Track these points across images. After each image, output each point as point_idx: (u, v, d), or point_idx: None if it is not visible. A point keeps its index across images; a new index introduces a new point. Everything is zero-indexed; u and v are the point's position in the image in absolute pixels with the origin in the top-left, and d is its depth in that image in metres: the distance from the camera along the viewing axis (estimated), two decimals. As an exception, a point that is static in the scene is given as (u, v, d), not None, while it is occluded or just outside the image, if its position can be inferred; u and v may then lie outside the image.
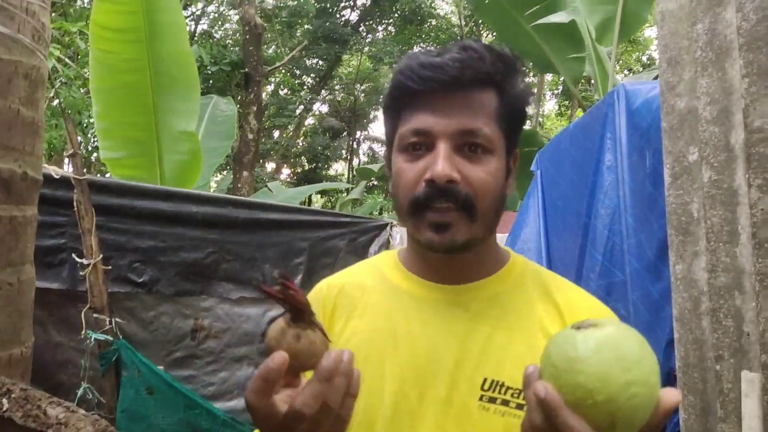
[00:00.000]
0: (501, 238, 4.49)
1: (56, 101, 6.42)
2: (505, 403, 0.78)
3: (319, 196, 16.49)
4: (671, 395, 0.55)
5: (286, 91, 16.12)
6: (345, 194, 13.72)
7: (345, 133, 17.49)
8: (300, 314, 0.62)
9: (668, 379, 1.78)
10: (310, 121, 17.80)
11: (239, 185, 7.50)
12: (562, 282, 0.91)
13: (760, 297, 1.34)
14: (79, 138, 7.96)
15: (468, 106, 0.80)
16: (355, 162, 18.17)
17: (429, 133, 0.79)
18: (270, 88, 16.11)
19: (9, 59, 1.72)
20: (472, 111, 0.80)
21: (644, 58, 16.82)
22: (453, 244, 0.79)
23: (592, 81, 5.75)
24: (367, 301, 0.89)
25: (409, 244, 0.92)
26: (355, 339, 0.86)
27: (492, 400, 0.78)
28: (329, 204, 15.75)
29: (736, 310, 1.42)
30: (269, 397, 0.59)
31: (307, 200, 13.12)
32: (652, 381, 0.54)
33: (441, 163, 0.77)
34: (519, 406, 0.77)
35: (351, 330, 0.87)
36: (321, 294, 0.93)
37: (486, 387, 0.79)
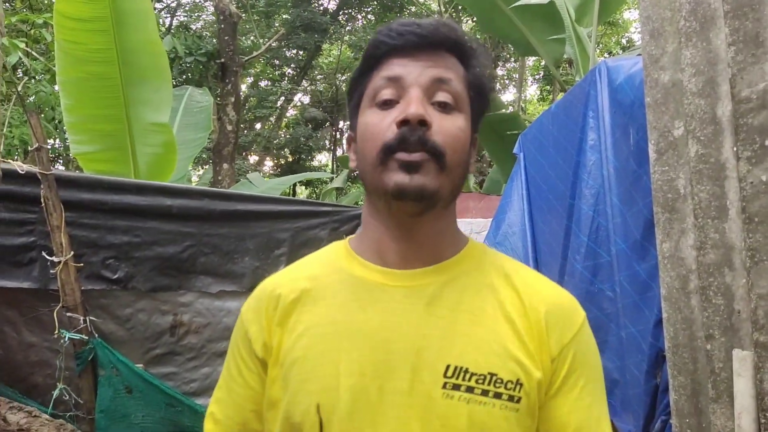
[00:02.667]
0: (486, 223, 4.45)
1: (31, 98, 6.25)
2: (470, 389, 0.75)
3: (303, 187, 16.37)
4: None
5: (266, 82, 15.92)
6: (329, 184, 13.60)
7: (328, 124, 17.34)
8: None
9: (657, 359, 1.74)
10: (291, 112, 17.64)
11: (219, 178, 7.37)
12: (520, 267, 0.89)
13: (751, 273, 1.30)
14: (55, 135, 7.81)
15: (440, 59, 0.81)
16: (339, 152, 18.03)
17: (401, 80, 0.79)
18: (250, 80, 15.88)
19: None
20: (444, 64, 0.81)
21: (623, 41, 16.84)
22: (423, 189, 0.76)
23: (573, 63, 5.71)
24: (317, 293, 0.84)
25: (364, 225, 0.89)
26: (308, 334, 0.81)
27: (456, 387, 0.76)
28: (314, 195, 15.64)
29: (726, 287, 1.38)
30: None
31: (291, 191, 12.99)
32: None
33: (414, 104, 0.76)
34: (484, 392, 0.75)
35: (303, 324, 0.82)
36: (265, 293, 0.88)
37: (449, 374, 0.76)
